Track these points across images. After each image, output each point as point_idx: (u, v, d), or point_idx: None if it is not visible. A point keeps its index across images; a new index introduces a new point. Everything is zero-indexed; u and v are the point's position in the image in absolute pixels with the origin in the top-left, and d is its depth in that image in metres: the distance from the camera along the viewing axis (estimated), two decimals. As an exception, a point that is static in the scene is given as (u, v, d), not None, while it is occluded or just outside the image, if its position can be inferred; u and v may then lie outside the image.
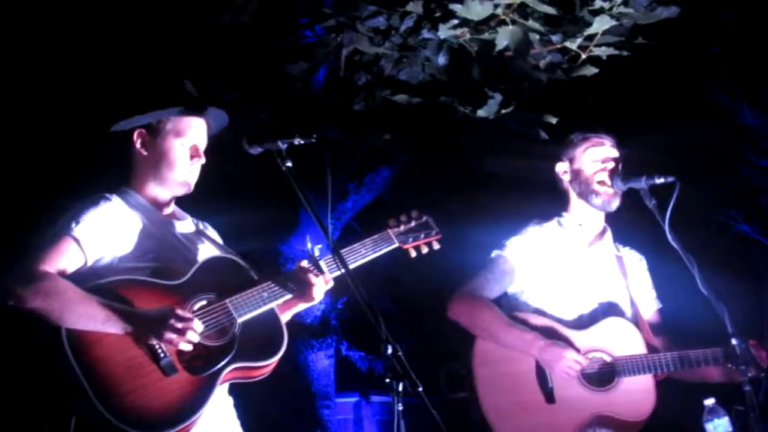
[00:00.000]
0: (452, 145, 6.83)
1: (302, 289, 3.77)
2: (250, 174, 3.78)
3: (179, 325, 3.38)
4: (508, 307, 4.67)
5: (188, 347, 3.44)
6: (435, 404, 3.15)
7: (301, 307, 3.93)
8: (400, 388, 3.20)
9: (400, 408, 3.24)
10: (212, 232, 4.09)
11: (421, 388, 3.14)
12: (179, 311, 3.42)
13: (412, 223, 4.09)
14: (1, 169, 5.88)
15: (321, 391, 7.12)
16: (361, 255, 3.92)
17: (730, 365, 4.08)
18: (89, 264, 3.57)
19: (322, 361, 7.20)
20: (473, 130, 6.03)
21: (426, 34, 5.63)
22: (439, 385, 4.55)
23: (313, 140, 3.63)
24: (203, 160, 3.82)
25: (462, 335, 4.60)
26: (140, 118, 3.78)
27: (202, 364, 3.49)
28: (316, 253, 3.82)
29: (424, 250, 4.09)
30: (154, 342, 3.40)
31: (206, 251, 3.87)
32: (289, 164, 3.60)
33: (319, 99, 6.26)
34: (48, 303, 3.36)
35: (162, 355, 3.40)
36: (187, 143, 3.80)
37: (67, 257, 3.52)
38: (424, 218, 4.12)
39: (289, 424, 6.92)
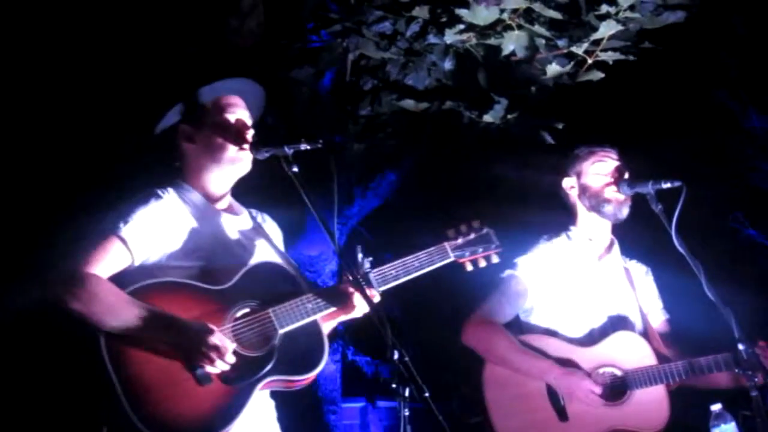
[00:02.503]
0: (458, 150, 6.83)
1: (348, 302, 3.67)
2: (256, 179, 3.77)
3: (211, 354, 3.31)
4: (518, 327, 4.65)
5: (218, 371, 3.37)
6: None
7: (344, 318, 3.80)
8: (407, 393, 3.20)
9: (407, 413, 3.24)
10: (270, 226, 4.02)
11: (427, 394, 3.12)
12: (215, 339, 3.33)
13: (472, 236, 3.94)
14: (53, 165, 5.93)
15: (327, 396, 7.11)
16: (414, 268, 3.80)
17: (737, 370, 4.07)
18: (137, 263, 3.52)
19: (328, 366, 7.19)
20: (479, 135, 6.03)
21: (432, 38, 5.65)
22: (452, 410, 4.50)
23: (320, 145, 3.59)
24: (252, 132, 3.73)
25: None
26: (178, 111, 3.77)
27: (238, 375, 3.42)
28: (367, 265, 3.72)
29: (482, 264, 3.97)
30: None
31: (260, 251, 3.81)
32: (296, 169, 3.54)
33: (325, 104, 6.27)
34: (88, 307, 3.32)
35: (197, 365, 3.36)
36: (231, 119, 3.74)
37: (112, 257, 3.47)
38: (485, 230, 3.98)
39: (295, 429, 6.91)
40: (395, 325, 3.38)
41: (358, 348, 9.25)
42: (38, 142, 5.96)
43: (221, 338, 3.35)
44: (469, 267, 3.96)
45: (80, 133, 5.97)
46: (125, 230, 3.49)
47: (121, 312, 3.34)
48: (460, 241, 3.93)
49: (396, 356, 3.19)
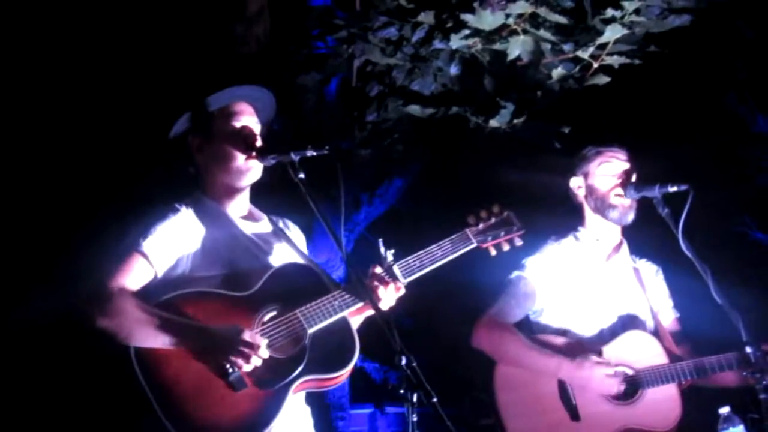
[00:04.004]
0: (465, 155, 6.82)
1: (374, 296, 3.64)
2: (262, 185, 3.77)
3: (245, 350, 3.33)
4: (529, 328, 4.66)
5: (252, 368, 3.38)
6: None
7: (371, 312, 3.74)
8: (415, 398, 3.19)
9: (415, 419, 3.24)
10: (293, 231, 4.04)
11: (435, 399, 3.12)
12: (246, 336, 3.35)
13: (492, 220, 3.93)
14: (71, 181, 5.96)
15: (335, 402, 7.10)
16: (439, 257, 3.79)
17: (746, 373, 4.06)
18: (160, 276, 3.55)
19: (336, 372, 7.16)
20: (486, 139, 6.02)
21: (438, 44, 5.65)
22: (460, 414, 4.50)
23: (326, 151, 3.58)
24: (260, 143, 3.75)
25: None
26: (187, 119, 3.79)
27: (271, 378, 3.42)
28: (390, 257, 3.73)
29: (506, 247, 3.94)
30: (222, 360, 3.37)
31: (281, 254, 3.82)
32: (302, 176, 3.54)
33: (331, 110, 6.27)
34: (115, 323, 3.35)
35: (231, 370, 3.35)
36: (238, 126, 3.75)
37: (135, 273, 3.50)
38: (505, 213, 3.97)
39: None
40: (403, 331, 3.37)
41: (367, 354, 9.23)
42: (56, 155, 5.99)
43: (252, 335, 3.38)
44: (493, 252, 3.94)
45: (97, 145, 5.99)
46: (146, 245, 3.53)
47: (150, 326, 3.36)
48: (481, 226, 3.92)
49: (404, 362, 3.19)
